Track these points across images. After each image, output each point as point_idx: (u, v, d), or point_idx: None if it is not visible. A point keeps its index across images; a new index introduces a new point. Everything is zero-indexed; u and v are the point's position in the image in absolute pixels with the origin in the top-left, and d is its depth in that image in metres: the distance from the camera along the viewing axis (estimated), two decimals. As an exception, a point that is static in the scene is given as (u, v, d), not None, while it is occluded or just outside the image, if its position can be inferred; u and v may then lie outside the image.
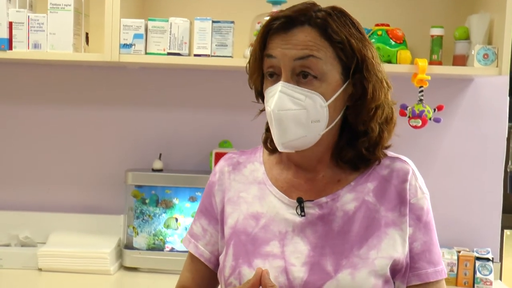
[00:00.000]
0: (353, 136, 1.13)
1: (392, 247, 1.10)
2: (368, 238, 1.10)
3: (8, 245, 2.03)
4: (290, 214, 1.14)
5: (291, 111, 1.07)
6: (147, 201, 2.01)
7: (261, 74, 1.14)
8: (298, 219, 1.13)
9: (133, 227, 2.02)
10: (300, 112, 1.07)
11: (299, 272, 1.09)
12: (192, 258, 1.24)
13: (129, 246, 2.02)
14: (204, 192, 1.25)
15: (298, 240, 1.12)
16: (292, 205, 1.14)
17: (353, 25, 1.10)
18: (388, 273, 1.10)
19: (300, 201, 1.13)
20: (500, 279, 2.08)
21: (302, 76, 1.08)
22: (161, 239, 2.01)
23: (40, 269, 1.94)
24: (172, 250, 2.01)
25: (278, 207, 1.15)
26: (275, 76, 1.10)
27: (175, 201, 2.01)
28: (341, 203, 1.13)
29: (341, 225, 1.11)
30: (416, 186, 1.14)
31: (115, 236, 2.04)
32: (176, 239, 2.01)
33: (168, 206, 2.01)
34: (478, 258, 1.96)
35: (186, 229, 2.00)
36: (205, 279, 1.23)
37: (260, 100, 1.19)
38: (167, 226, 2.01)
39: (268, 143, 1.21)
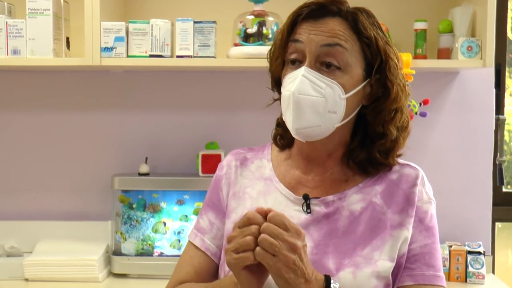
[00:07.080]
0: (369, 138, 1.14)
1: (396, 249, 1.09)
2: (372, 239, 1.09)
3: (-7, 256, 2.00)
4: (295, 211, 1.13)
5: (310, 97, 1.07)
6: (134, 206, 1.99)
7: (282, 60, 1.13)
8: (303, 216, 1.13)
9: (121, 233, 1.99)
10: (319, 100, 1.07)
11: None
12: (196, 252, 1.22)
13: (117, 252, 1.99)
14: (210, 186, 1.25)
15: None
16: (298, 202, 1.14)
17: (379, 27, 1.12)
18: (390, 277, 1.09)
19: (306, 198, 1.13)
20: (493, 272, 2.07)
21: (325, 66, 1.08)
22: (149, 244, 1.98)
23: (26, 279, 1.90)
24: (161, 255, 1.98)
25: (284, 204, 1.14)
26: (298, 63, 1.10)
27: (163, 205, 1.99)
28: (347, 203, 1.12)
29: (347, 225, 1.11)
30: (423, 191, 1.15)
31: (103, 242, 2.01)
32: (165, 244, 1.99)
33: (156, 210, 1.98)
34: (469, 252, 1.94)
35: (174, 233, 1.98)
36: (210, 273, 1.20)
37: (275, 89, 1.18)
38: (156, 231, 1.98)
39: (278, 140, 1.21)
